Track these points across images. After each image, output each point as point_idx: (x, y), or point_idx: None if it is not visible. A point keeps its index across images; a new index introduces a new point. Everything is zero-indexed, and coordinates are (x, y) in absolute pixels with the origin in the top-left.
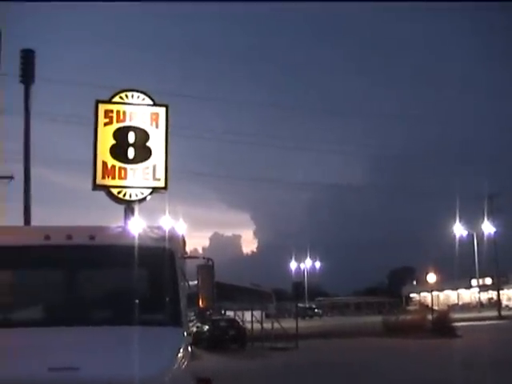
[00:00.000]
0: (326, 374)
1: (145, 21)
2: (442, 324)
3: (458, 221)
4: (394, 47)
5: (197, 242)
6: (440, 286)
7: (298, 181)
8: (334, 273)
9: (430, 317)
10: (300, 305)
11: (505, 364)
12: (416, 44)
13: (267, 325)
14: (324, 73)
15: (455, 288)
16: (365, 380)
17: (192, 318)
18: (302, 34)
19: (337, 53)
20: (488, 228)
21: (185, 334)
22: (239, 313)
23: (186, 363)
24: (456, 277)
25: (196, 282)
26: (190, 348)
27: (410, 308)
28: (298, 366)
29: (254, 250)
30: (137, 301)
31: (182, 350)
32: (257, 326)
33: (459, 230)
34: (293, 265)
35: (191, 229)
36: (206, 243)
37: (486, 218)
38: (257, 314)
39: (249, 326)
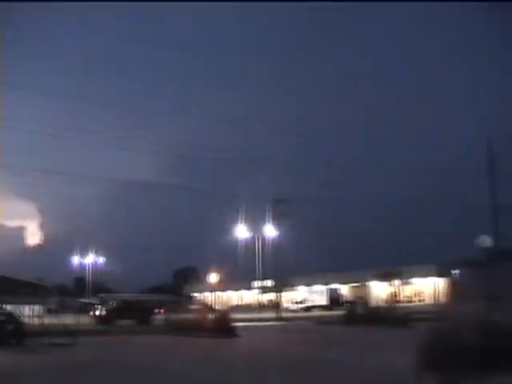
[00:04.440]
0: (93, 370)
1: None
2: (222, 323)
3: (241, 223)
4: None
5: None
6: (223, 287)
7: (89, 175)
8: (120, 270)
9: (211, 316)
10: (82, 300)
11: (268, 360)
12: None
13: (48, 320)
14: (125, 71)
15: (237, 289)
16: (133, 377)
17: None
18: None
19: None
20: (271, 232)
21: None
22: (19, 307)
23: None
24: (239, 278)
25: None
26: None
27: (193, 307)
28: (71, 363)
29: (39, 242)
30: None
31: None
32: (38, 321)
33: (243, 232)
34: (77, 260)
35: None
36: None
37: (269, 222)
38: (38, 308)
39: (28, 320)
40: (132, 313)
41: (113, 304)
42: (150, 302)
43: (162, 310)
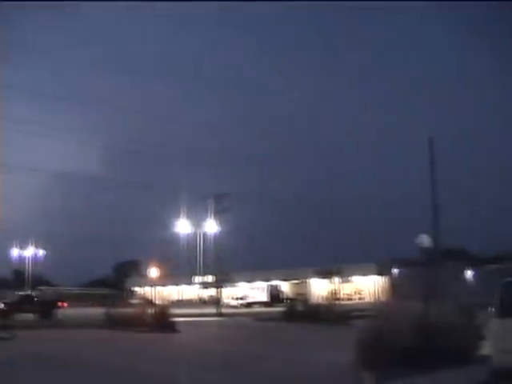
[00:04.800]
0: (27, 365)
1: None
2: (161, 318)
3: (183, 218)
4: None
5: None
6: (164, 281)
7: (27, 166)
8: (61, 263)
9: (150, 311)
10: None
11: (204, 356)
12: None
13: None
14: (62, 59)
15: (178, 284)
16: (67, 370)
17: None
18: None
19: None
20: (212, 227)
21: None
22: None
23: None
24: (180, 273)
25: None
26: None
27: (133, 301)
28: (6, 357)
29: None
30: None
31: None
32: None
33: (185, 227)
34: (15, 252)
35: None
36: None
37: (210, 218)
38: None
39: None
40: (33, 306)
41: (13, 298)
42: (54, 296)
43: (64, 304)
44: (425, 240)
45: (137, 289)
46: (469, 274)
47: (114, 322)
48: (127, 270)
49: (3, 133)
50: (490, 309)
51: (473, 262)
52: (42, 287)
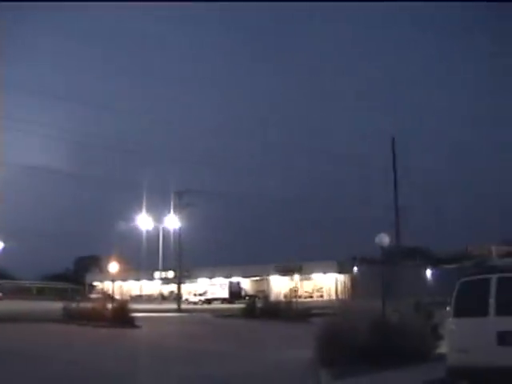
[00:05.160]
0: None
1: None
2: (120, 314)
3: (144, 213)
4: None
5: None
6: (125, 276)
7: None
8: (21, 257)
9: (110, 306)
10: None
11: (159, 351)
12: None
13: None
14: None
15: (139, 279)
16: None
17: None
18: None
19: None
20: (173, 223)
21: None
22: None
23: None
24: (142, 268)
25: None
26: None
27: (93, 296)
28: None
29: None
30: None
31: None
32: None
33: (147, 222)
34: None
35: None
36: None
37: (172, 213)
38: None
39: None
40: None
41: None
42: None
43: None
44: (384, 239)
45: (97, 283)
46: (429, 273)
47: (72, 317)
48: (87, 265)
49: None
50: (446, 308)
51: (435, 262)
52: (1, 281)
